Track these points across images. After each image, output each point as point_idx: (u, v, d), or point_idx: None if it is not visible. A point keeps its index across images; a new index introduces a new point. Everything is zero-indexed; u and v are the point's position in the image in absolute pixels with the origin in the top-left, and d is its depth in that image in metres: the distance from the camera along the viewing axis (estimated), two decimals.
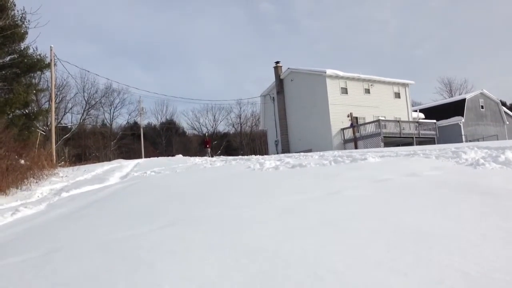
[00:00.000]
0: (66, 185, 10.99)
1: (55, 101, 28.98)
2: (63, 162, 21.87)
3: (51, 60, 24.03)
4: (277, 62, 35.03)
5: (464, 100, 37.71)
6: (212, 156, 26.38)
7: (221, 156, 24.10)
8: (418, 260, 2.42)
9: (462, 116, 36.19)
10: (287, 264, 2.56)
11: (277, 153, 29.44)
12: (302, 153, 15.06)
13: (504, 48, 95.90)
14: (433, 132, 31.59)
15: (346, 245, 2.82)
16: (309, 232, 3.21)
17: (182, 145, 61.31)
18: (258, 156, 16.31)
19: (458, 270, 2.24)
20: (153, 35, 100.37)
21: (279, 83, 34.57)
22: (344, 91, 31.04)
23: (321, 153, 13.58)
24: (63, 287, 2.67)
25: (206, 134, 42.63)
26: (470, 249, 2.53)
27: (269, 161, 10.19)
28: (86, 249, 3.55)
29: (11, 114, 20.53)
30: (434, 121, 33.03)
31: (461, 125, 35.85)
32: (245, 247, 3.01)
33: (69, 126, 47.79)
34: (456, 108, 37.24)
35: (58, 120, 43.31)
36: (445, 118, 36.22)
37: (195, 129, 68.60)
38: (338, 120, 29.91)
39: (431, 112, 38.16)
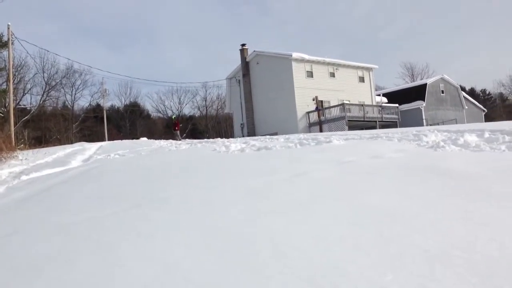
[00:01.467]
0: (25, 168, 10.64)
1: (13, 82, 27.91)
2: (22, 145, 21.16)
3: (8, 38, 23.09)
4: (243, 45, 34.82)
5: (425, 85, 38.66)
6: (180, 139, 25.39)
7: (187, 139, 23.86)
8: (380, 238, 2.49)
9: (423, 100, 37.13)
10: (253, 243, 2.58)
11: (243, 136, 29.46)
12: (267, 136, 15.12)
13: (464, 34, 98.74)
14: (395, 116, 32.32)
15: (311, 224, 2.87)
16: (275, 213, 3.24)
17: (146, 128, 60.43)
18: (224, 139, 16.26)
19: (418, 247, 2.31)
20: (117, 14, 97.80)
21: (245, 65, 34.42)
22: (310, 74, 31.24)
23: (287, 136, 13.67)
24: (21, 269, 2.60)
25: (174, 116, 36.96)
26: (430, 228, 2.61)
27: (235, 143, 10.18)
28: (47, 231, 3.47)
29: None
30: (397, 105, 33.76)
31: (422, 109, 36.79)
32: (211, 227, 3.01)
33: (29, 108, 46.14)
34: (417, 92, 38.15)
35: (17, 102, 41.73)
36: (407, 102, 37.05)
37: (160, 112, 67.82)
38: (304, 104, 30.13)
39: (393, 96, 38.93)
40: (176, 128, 29.41)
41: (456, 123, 34.88)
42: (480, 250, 2.22)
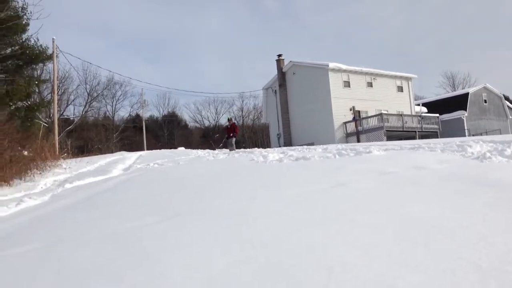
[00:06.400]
0: (69, 177, 10.97)
1: (57, 93, 28.95)
2: (66, 154, 21.83)
3: (53, 52, 23.99)
4: (279, 55, 34.92)
5: (467, 94, 37.59)
6: (235, 149, 19.43)
7: (223, 149, 23.89)
8: (429, 253, 2.39)
9: (465, 110, 36.07)
10: (296, 255, 2.54)
11: (279, 146, 29.40)
12: (305, 146, 15.01)
13: (507, 43, 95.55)
14: (436, 126, 31.53)
15: (355, 237, 2.80)
16: (316, 224, 3.18)
17: (184, 138, 61.32)
18: (261, 149, 16.27)
19: (469, 262, 2.21)
20: (157, 28, 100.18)
21: (281, 76, 34.48)
22: (347, 84, 30.96)
23: (324, 146, 13.54)
24: (68, 277, 2.65)
25: (230, 117, 23.58)
26: (481, 242, 2.50)
27: (273, 153, 10.16)
28: (91, 239, 3.53)
29: (13, 106, 20.49)
30: (437, 115, 32.95)
31: (464, 119, 35.75)
32: (252, 238, 2.98)
33: (72, 118, 47.79)
34: (459, 102, 37.12)
35: (61, 112, 43.31)
36: (448, 112, 36.11)
37: (197, 121, 68.85)
38: (341, 114, 29.85)
39: (434, 106, 38.05)
40: (232, 134, 20.61)
41: (500, 133, 33.69)
42: None
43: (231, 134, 20.35)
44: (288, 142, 32.64)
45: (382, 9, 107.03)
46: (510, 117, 41.03)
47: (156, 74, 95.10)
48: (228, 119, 22.04)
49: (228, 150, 19.24)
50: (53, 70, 25.66)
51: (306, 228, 3.13)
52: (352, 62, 33.59)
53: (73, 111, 49.84)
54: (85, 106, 49.58)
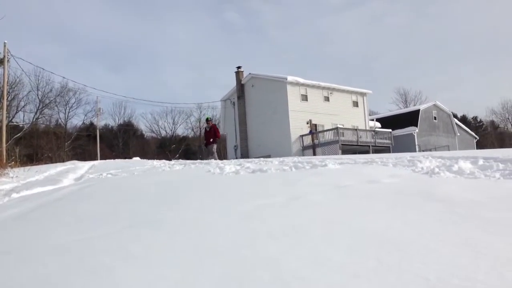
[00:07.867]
0: (16, 186, 10.50)
1: (7, 99, 27.80)
2: (13, 162, 20.90)
3: (4, 56, 23.11)
4: (238, 67, 35.13)
5: (418, 111, 39.10)
6: (217, 158, 16.86)
7: (180, 160, 23.52)
8: (380, 265, 2.45)
9: (416, 126, 37.47)
10: (251, 268, 2.53)
11: (236, 158, 29.40)
12: (261, 159, 15.07)
13: (457, 63, 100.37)
14: (388, 141, 32.56)
15: (310, 250, 2.83)
16: (272, 236, 3.19)
17: (139, 148, 60.25)
18: (218, 161, 16.17)
19: (418, 275, 2.27)
20: (115, 36, 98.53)
21: (240, 88, 34.65)
22: (304, 98, 31.50)
23: (281, 158, 13.64)
24: None
25: (209, 118, 19.34)
26: (430, 255, 2.58)
27: (229, 165, 10.13)
28: (40, 252, 3.38)
29: None
30: (390, 130, 34.06)
31: (415, 135, 37.11)
32: (208, 250, 2.96)
33: (21, 125, 45.97)
34: (410, 118, 38.54)
35: (10, 119, 41.55)
36: (400, 128, 37.36)
37: (153, 131, 67.98)
38: (298, 127, 30.31)
39: (387, 122, 39.29)
40: (212, 139, 17.16)
41: (449, 149, 35.13)
42: (482, 279, 2.19)
43: (211, 140, 17.08)
44: (245, 154, 32.71)
45: (342, 25, 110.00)
46: (458, 134, 42.93)
47: (113, 82, 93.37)
48: (207, 120, 18.42)
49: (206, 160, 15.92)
50: (4, 75, 24.69)
51: (262, 241, 3.13)
52: (311, 77, 34.20)
53: (23, 118, 48.02)
54: (35, 113, 47.88)
